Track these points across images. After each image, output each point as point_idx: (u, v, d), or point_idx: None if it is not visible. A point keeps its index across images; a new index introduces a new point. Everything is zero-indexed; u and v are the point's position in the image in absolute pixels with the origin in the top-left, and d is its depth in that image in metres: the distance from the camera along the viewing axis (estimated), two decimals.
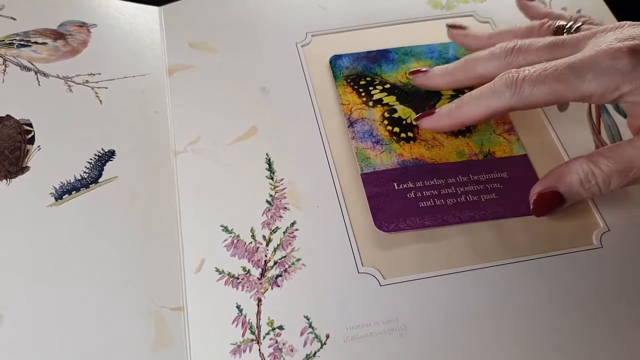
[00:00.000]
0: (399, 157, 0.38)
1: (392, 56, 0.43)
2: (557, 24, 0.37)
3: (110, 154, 0.38)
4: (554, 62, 0.31)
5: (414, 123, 0.38)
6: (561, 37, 0.34)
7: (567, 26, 0.36)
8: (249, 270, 0.34)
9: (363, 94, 0.41)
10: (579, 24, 0.36)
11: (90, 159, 0.38)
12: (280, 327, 0.32)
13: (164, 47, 0.44)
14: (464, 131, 0.39)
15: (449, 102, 0.40)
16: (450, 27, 0.41)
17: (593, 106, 0.40)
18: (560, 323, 0.32)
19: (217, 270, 0.34)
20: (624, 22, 0.33)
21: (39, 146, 0.38)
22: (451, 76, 0.38)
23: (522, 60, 0.34)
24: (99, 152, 0.38)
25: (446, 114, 0.35)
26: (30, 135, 0.39)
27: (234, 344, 0.31)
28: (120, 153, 0.38)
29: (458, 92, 0.41)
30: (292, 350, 0.31)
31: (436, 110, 0.36)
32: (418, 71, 0.40)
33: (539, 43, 0.34)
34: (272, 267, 0.34)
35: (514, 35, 0.38)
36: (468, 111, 0.34)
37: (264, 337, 0.32)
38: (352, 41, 0.44)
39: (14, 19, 0.44)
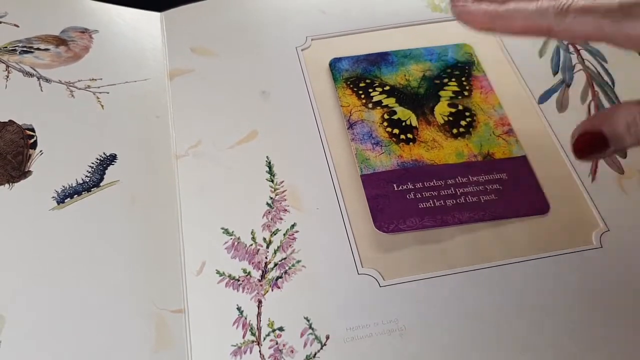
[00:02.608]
0: (398, 158, 0.38)
1: (392, 59, 0.43)
2: None
3: (112, 158, 0.38)
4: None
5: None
6: None
7: None
8: (249, 272, 0.34)
9: (363, 96, 0.41)
10: None
11: (92, 163, 0.38)
12: (281, 329, 0.32)
13: (165, 52, 0.44)
14: (464, 132, 0.39)
15: (449, 104, 0.40)
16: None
17: (593, 106, 0.41)
18: (560, 323, 0.32)
19: (218, 272, 0.34)
20: None
21: (41, 151, 0.38)
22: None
23: None
24: (100, 156, 0.38)
25: (483, 11, 0.32)
26: (32, 140, 0.39)
27: (235, 346, 0.31)
28: (122, 157, 0.38)
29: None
30: (292, 351, 0.31)
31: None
32: None
33: None
34: (272, 268, 0.34)
35: None
36: (505, 18, 0.31)
37: (264, 339, 0.32)
38: (352, 44, 0.44)
39: (17, 26, 0.45)
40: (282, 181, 0.37)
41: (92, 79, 0.42)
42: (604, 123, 0.31)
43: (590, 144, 0.31)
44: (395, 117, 0.40)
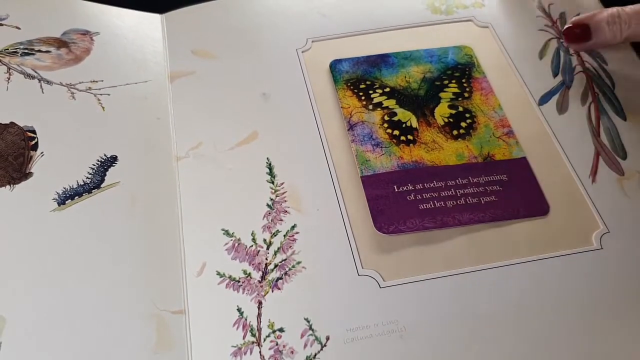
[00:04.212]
0: (398, 159, 0.38)
1: (392, 60, 0.43)
2: None
3: (113, 160, 0.38)
4: None
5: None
6: None
7: None
8: (249, 273, 0.34)
9: (363, 97, 0.41)
10: None
11: (93, 165, 0.38)
12: (281, 330, 0.32)
13: (165, 54, 0.44)
14: (464, 134, 0.39)
15: (449, 106, 0.41)
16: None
17: (592, 109, 0.41)
18: (560, 324, 0.32)
19: (218, 273, 0.34)
20: None
21: (42, 152, 0.39)
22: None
23: None
24: (101, 158, 0.38)
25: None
26: (33, 142, 0.39)
27: (235, 347, 0.31)
28: (123, 159, 0.39)
29: (456, 97, 0.41)
30: (292, 352, 0.31)
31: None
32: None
33: None
34: (272, 270, 0.34)
35: None
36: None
37: (264, 340, 0.32)
38: (352, 46, 0.44)
39: (18, 28, 0.45)
40: (283, 182, 0.37)
41: (93, 81, 0.42)
42: (590, 19, 0.39)
43: (577, 34, 0.40)
44: (395, 118, 0.40)
